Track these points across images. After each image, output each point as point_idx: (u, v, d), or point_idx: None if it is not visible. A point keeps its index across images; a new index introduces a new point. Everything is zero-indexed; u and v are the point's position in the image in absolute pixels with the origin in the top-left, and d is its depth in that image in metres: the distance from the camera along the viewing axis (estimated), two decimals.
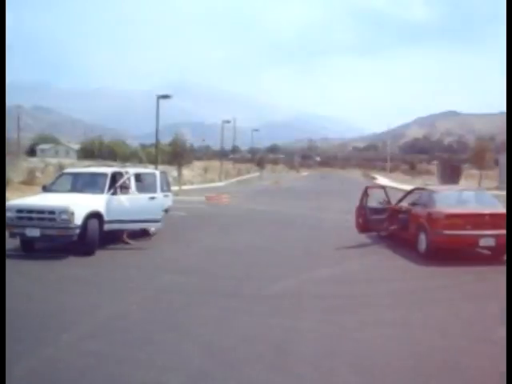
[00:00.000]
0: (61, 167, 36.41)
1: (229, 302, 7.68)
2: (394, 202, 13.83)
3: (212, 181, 50.91)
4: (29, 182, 31.67)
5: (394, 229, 13.05)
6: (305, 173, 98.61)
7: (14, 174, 26.11)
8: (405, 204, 13.13)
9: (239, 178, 62.28)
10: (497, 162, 46.92)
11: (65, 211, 10.67)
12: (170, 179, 23.78)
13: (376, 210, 13.69)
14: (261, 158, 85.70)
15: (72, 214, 10.66)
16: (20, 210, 11.06)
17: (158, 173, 14.06)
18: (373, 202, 14.06)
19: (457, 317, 7.11)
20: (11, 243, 11.48)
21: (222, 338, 6.13)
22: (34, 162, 48.90)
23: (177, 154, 41.24)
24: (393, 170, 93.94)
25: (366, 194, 14.00)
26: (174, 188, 31.12)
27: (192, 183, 45.47)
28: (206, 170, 60.17)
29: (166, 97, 34.99)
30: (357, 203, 14.08)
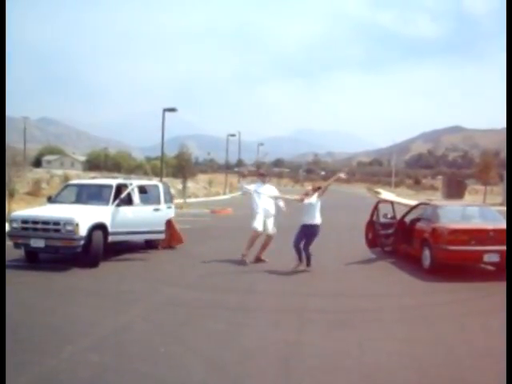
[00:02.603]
0: (66, 178, 36.55)
1: (232, 316, 7.66)
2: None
3: (217, 194, 50.93)
4: (34, 192, 31.76)
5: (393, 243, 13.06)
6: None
7: (19, 184, 26.16)
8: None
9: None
10: (501, 178, 46.82)
11: (70, 222, 10.70)
12: (173, 192, 23.78)
13: (385, 225, 13.65)
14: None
15: (77, 225, 10.69)
16: (25, 221, 11.10)
17: (161, 185, 14.11)
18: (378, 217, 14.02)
19: (461, 333, 7.08)
20: (16, 254, 11.52)
21: (225, 351, 6.11)
22: (39, 172, 49.05)
23: (182, 166, 41.34)
24: (397, 184, 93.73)
25: (376, 208, 13.98)
26: (179, 201, 31.16)
27: (197, 196, 45.49)
28: (210, 183, 60.18)
29: (171, 110, 35.08)
30: (366, 217, 14.06)
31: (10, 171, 21.02)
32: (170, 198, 13.92)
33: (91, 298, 8.68)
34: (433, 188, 79.46)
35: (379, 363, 5.79)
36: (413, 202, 14.47)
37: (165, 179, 32.84)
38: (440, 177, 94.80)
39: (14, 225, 11.16)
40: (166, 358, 5.81)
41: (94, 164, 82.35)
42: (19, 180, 24.69)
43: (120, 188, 12.60)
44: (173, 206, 13.83)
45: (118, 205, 12.00)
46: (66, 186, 13.64)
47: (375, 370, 5.59)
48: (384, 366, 5.74)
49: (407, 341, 6.62)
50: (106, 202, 11.94)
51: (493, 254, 10.48)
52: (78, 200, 12.52)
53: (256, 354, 6.01)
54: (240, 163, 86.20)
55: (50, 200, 12.72)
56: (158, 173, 41.19)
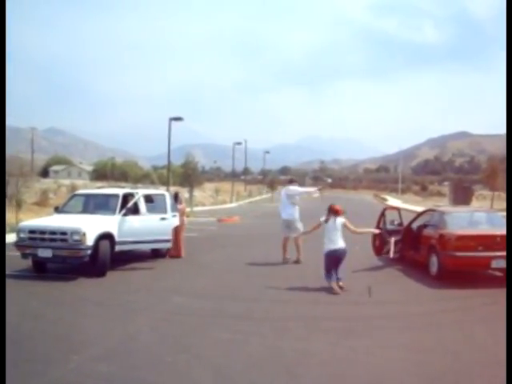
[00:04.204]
0: (73, 188, 36.69)
1: (239, 325, 7.65)
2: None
3: (223, 202, 50.96)
4: (42, 203, 31.91)
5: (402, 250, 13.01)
6: (316, 194, 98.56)
7: (27, 195, 26.31)
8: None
9: (250, 200, 62.30)
10: None
11: (77, 232, 10.75)
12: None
13: (392, 232, 13.57)
14: (272, 179, 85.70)
15: (84, 234, 10.73)
16: (32, 231, 11.15)
17: (167, 194, 14.15)
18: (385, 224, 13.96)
19: (469, 340, 7.04)
20: (23, 264, 11.56)
21: (232, 360, 6.10)
22: (47, 183, 49.33)
23: (188, 175, 41.45)
24: (404, 191, 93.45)
25: (382, 215, 13.93)
26: (186, 209, 31.13)
27: (203, 204, 45.53)
28: (217, 191, 60.29)
29: (177, 119, 35.22)
30: (373, 224, 14.02)
31: (17, 182, 21.16)
32: (176, 208, 13.88)
33: (98, 307, 8.70)
34: (440, 194, 79.08)
35: (386, 371, 5.77)
36: (415, 208, 14.45)
37: (172, 188, 32.93)
38: (447, 183, 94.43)
39: (22, 235, 11.21)
40: (172, 367, 5.81)
41: (101, 173, 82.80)
42: (27, 190, 24.84)
43: (126, 197, 12.63)
44: (178, 215, 13.81)
45: (125, 214, 12.03)
46: (73, 196, 13.71)
47: (382, 378, 5.56)
48: (391, 373, 5.71)
49: (414, 348, 6.58)
50: (113, 212, 11.98)
51: (500, 260, 10.40)
52: (85, 210, 12.58)
53: (263, 363, 6.00)
54: (246, 171, 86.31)
55: (57, 210, 12.79)
56: (164, 182, 41.28)
